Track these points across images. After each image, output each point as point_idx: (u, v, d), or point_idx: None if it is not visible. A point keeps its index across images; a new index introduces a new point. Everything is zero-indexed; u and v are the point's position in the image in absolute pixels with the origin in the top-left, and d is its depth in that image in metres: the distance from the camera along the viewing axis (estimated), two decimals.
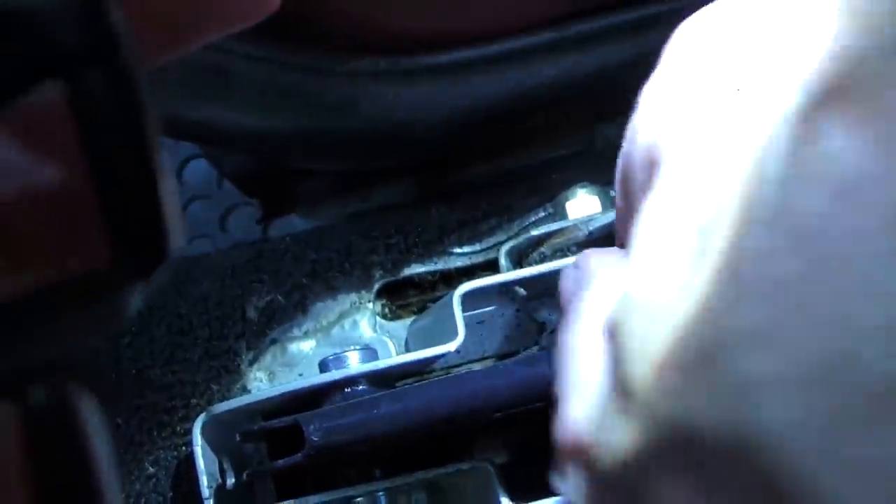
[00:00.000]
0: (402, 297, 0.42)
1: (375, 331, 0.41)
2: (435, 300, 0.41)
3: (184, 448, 0.39)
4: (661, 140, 0.26)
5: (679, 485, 0.21)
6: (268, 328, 0.40)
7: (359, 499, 0.36)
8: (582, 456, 0.24)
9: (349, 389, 0.36)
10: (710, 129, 0.24)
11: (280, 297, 0.41)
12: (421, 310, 0.42)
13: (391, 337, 0.41)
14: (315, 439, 0.34)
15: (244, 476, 0.36)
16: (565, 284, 0.31)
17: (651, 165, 0.26)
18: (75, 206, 0.16)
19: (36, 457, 0.16)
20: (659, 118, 0.26)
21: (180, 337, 0.40)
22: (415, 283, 0.42)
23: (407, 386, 0.36)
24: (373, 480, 0.36)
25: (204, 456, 0.36)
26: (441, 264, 0.42)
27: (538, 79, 0.42)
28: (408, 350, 0.40)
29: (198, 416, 0.36)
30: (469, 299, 0.37)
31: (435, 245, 0.42)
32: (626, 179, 0.28)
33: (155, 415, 0.39)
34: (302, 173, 0.47)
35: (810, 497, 0.20)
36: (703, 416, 0.21)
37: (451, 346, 0.36)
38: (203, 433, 0.36)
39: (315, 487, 0.36)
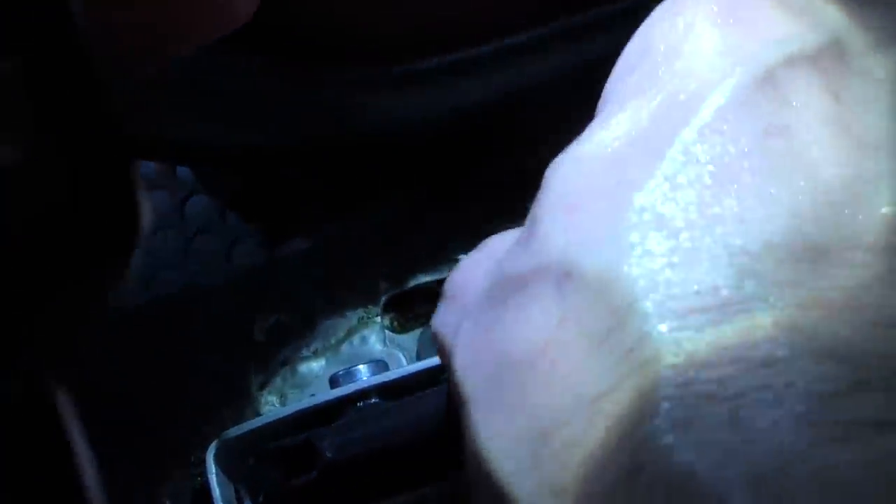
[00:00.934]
0: (410, 309, 0.41)
1: (385, 345, 0.40)
2: None
3: (199, 478, 0.38)
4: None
5: (547, 299, 0.24)
6: (276, 349, 0.40)
7: None
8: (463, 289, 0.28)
9: (361, 404, 0.36)
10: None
11: (287, 317, 0.40)
12: (430, 320, 0.41)
13: (402, 350, 0.40)
14: (329, 455, 0.34)
15: (260, 499, 0.36)
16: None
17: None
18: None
19: (12, 449, 0.16)
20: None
21: (188, 365, 0.40)
22: (422, 293, 0.41)
23: (419, 394, 0.36)
24: (392, 494, 0.35)
25: (219, 484, 0.36)
26: (447, 272, 0.41)
27: (532, 77, 0.42)
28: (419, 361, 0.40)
29: (211, 443, 0.36)
30: None
31: (439, 253, 0.41)
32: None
33: (168, 446, 0.39)
34: (303, 194, 0.46)
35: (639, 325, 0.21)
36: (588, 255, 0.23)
37: None
38: (217, 460, 0.36)
39: None
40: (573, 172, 0.25)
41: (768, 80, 0.23)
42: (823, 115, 0.23)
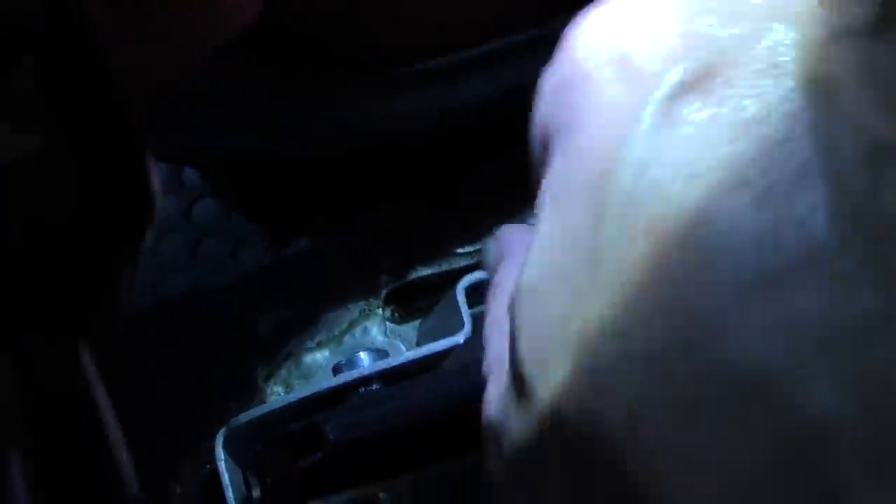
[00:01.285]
0: (410, 302, 0.43)
1: (386, 335, 0.42)
2: None
3: (208, 465, 0.40)
4: (550, 120, 0.25)
5: (559, 481, 0.20)
6: (280, 342, 0.41)
7: (382, 495, 0.36)
8: (493, 437, 0.24)
9: (363, 389, 0.37)
10: (588, 110, 0.24)
11: (291, 312, 0.42)
12: (430, 312, 0.42)
13: (402, 340, 0.41)
14: (332, 437, 0.35)
15: (267, 483, 0.37)
16: (487, 259, 0.31)
17: (545, 144, 0.25)
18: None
19: (36, 402, 0.17)
20: (551, 97, 0.26)
21: (196, 361, 0.41)
22: (421, 286, 0.43)
23: (418, 378, 0.37)
24: (395, 474, 0.36)
25: (228, 470, 0.37)
26: (446, 266, 0.43)
27: (531, 77, 0.43)
28: None
29: (219, 431, 0.37)
30: (474, 294, 0.38)
31: (438, 248, 0.43)
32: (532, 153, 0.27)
33: (178, 435, 0.40)
34: (307, 196, 0.48)
35: (652, 488, 0.18)
36: (571, 405, 0.20)
37: (460, 339, 0.37)
38: (225, 447, 0.37)
39: (339, 488, 0.36)
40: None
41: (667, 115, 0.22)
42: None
